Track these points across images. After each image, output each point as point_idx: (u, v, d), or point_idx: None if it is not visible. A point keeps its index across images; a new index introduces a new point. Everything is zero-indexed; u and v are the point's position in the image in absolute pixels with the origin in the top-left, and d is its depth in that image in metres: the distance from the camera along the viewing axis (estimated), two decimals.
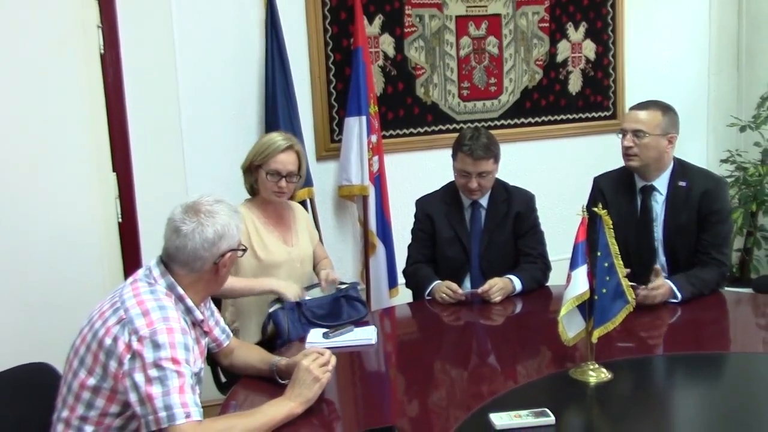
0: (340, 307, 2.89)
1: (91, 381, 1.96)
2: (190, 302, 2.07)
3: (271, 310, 2.83)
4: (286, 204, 3.13)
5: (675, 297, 2.80)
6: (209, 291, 2.17)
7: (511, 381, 2.28)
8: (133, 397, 1.89)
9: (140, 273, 2.09)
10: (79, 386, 1.98)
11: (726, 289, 3.14)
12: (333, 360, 2.16)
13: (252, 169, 3.00)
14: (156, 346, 1.88)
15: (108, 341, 1.93)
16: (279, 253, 3.00)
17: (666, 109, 3.05)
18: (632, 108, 3.14)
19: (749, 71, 4.96)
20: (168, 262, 2.07)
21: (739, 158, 4.70)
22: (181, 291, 2.05)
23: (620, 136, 3.06)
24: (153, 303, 1.97)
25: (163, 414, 1.85)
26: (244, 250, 2.19)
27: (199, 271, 2.06)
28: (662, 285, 2.78)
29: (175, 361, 1.89)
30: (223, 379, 2.94)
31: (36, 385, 2.21)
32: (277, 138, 3.00)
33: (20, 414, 2.14)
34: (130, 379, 1.88)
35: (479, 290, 2.96)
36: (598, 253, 2.15)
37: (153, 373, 1.87)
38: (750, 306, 3.07)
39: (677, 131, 3.05)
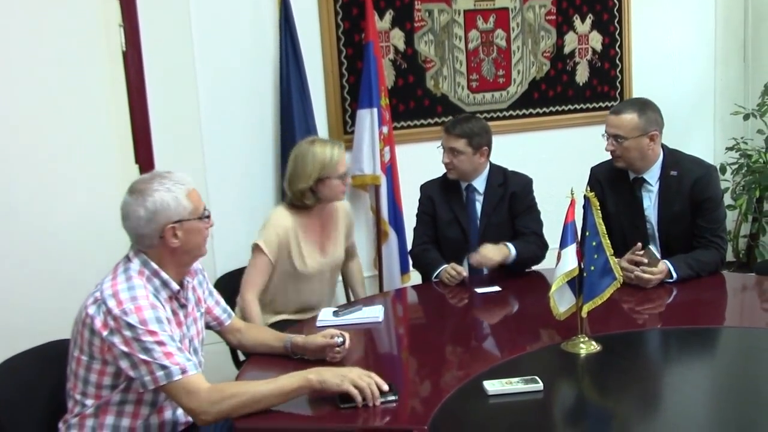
0: None
1: (84, 358, 2.10)
2: (165, 275, 2.15)
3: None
4: (333, 206, 3.20)
5: (671, 276, 2.88)
6: (181, 262, 2.20)
7: (507, 353, 2.42)
8: (124, 364, 2.01)
9: (123, 256, 2.20)
10: (75, 364, 2.13)
11: (731, 273, 3.19)
12: (348, 342, 2.32)
13: (316, 183, 3.04)
14: (129, 325, 1.99)
15: (88, 321, 2.05)
16: (313, 264, 3.09)
17: (643, 108, 3.04)
18: (610, 112, 3.13)
19: (755, 61, 5.05)
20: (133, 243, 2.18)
21: (744, 146, 4.78)
22: (155, 266, 2.14)
23: (605, 138, 3.10)
24: (123, 284, 2.07)
25: (160, 373, 1.98)
26: (208, 217, 2.21)
27: (151, 246, 2.14)
28: (659, 269, 2.86)
29: (151, 333, 2.00)
30: (242, 358, 3.09)
31: (64, 358, 2.37)
32: (328, 144, 3.08)
33: (52, 384, 2.29)
34: (117, 349, 2.00)
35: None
36: (587, 233, 2.29)
37: (136, 346, 1.99)
38: (749, 287, 3.12)
39: (660, 126, 3.05)
